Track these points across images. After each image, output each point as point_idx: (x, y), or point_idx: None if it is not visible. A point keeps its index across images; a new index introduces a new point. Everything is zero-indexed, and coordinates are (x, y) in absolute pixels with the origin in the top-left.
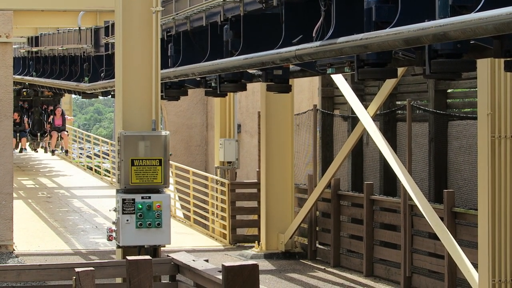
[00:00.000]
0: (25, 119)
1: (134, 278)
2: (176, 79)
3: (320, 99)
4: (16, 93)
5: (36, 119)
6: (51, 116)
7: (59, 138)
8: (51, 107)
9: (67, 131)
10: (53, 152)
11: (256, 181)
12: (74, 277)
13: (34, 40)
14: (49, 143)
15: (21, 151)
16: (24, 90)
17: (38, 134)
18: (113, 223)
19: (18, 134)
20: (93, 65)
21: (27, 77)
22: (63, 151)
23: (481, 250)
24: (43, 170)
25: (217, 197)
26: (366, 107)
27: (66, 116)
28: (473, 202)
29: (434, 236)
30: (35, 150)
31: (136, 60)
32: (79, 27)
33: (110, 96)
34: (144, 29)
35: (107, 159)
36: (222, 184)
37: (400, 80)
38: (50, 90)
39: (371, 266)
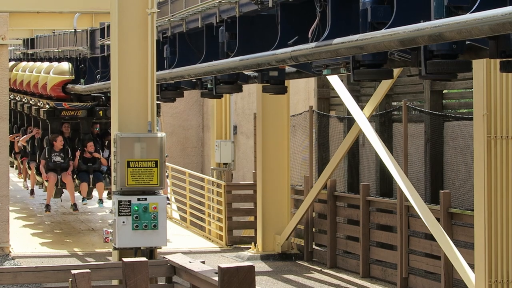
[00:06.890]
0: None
1: (130, 280)
2: (172, 80)
3: (316, 100)
4: (87, 113)
5: None
6: None
7: None
8: None
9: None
10: None
11: (252, 182)
12: (70, 279)
13: (30, 42)
14: None
15: (90, 197)
16: (99, 108)
17: None
18: (109, 224)
19: (91, 176)
20: (88, 67)
21: None
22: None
23: (477, 250)
24: None
25: (213, 198)
26: (362, 108)
27: None
28: (469, 202)
29: (431, 237)
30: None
31: (132, 62)
32: (75, 29)
33: None
34: (139, 31)
35: None
36: (218, 186)
37: (396, 81)
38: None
39: (368, 267)
